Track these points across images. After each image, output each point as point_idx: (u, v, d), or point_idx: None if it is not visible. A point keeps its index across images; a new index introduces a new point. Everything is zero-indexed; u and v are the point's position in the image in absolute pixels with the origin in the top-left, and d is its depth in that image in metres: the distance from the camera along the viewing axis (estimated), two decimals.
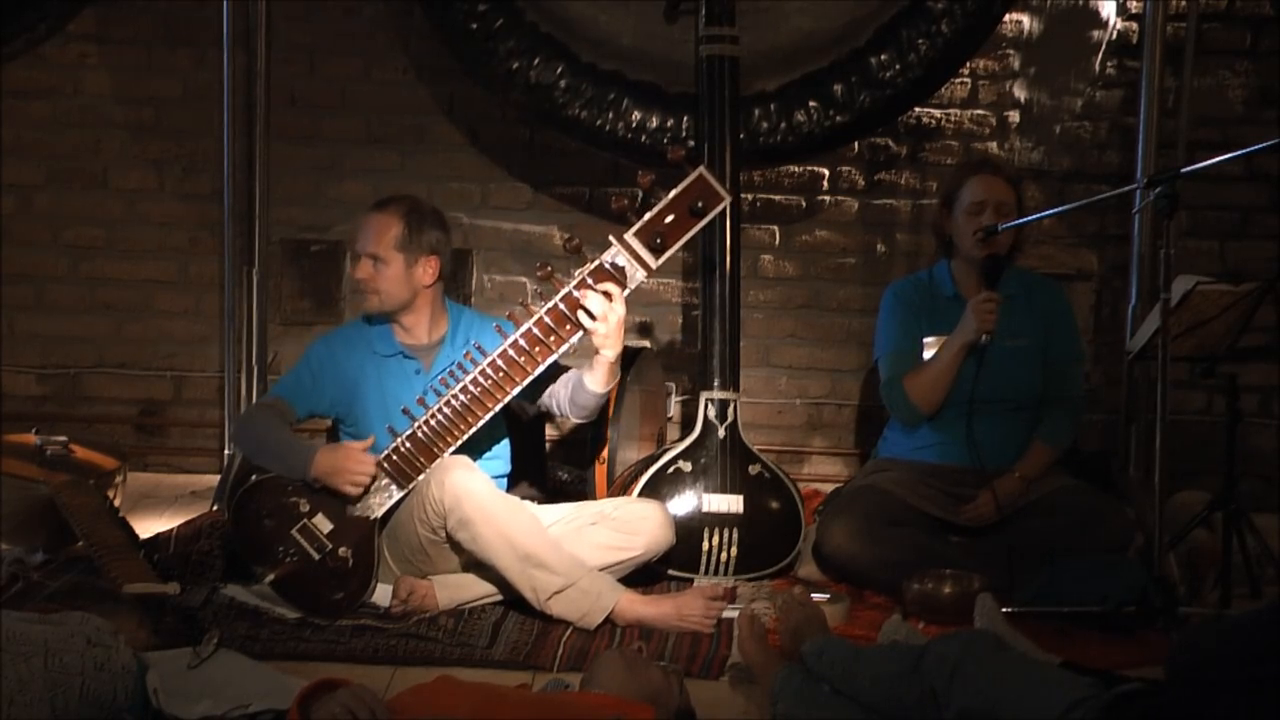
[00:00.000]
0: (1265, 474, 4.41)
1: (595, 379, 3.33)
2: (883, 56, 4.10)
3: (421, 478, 3.27)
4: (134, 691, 2.54)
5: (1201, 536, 3.64)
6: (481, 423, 3.28)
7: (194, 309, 4.78)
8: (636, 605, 3.23)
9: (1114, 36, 4.61)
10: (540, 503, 3.61)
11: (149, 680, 2.58)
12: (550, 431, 4.51)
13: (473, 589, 3.35)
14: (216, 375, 4.72)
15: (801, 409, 4.80)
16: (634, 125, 4.10)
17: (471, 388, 3.25)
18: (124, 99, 4.71)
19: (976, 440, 3.57)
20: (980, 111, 4.68)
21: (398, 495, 3.30)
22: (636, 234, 3.23)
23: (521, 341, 3.25)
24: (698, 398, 3.80)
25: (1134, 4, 4.56)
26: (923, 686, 2.43)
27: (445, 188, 4.72)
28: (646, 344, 4.62)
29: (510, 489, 3.61)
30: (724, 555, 3.63)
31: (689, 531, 3.58)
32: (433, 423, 3.25)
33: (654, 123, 4.10)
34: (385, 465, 3.27)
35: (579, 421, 3.51)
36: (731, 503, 3.67)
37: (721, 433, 3.73)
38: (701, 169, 3.25)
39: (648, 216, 3.23)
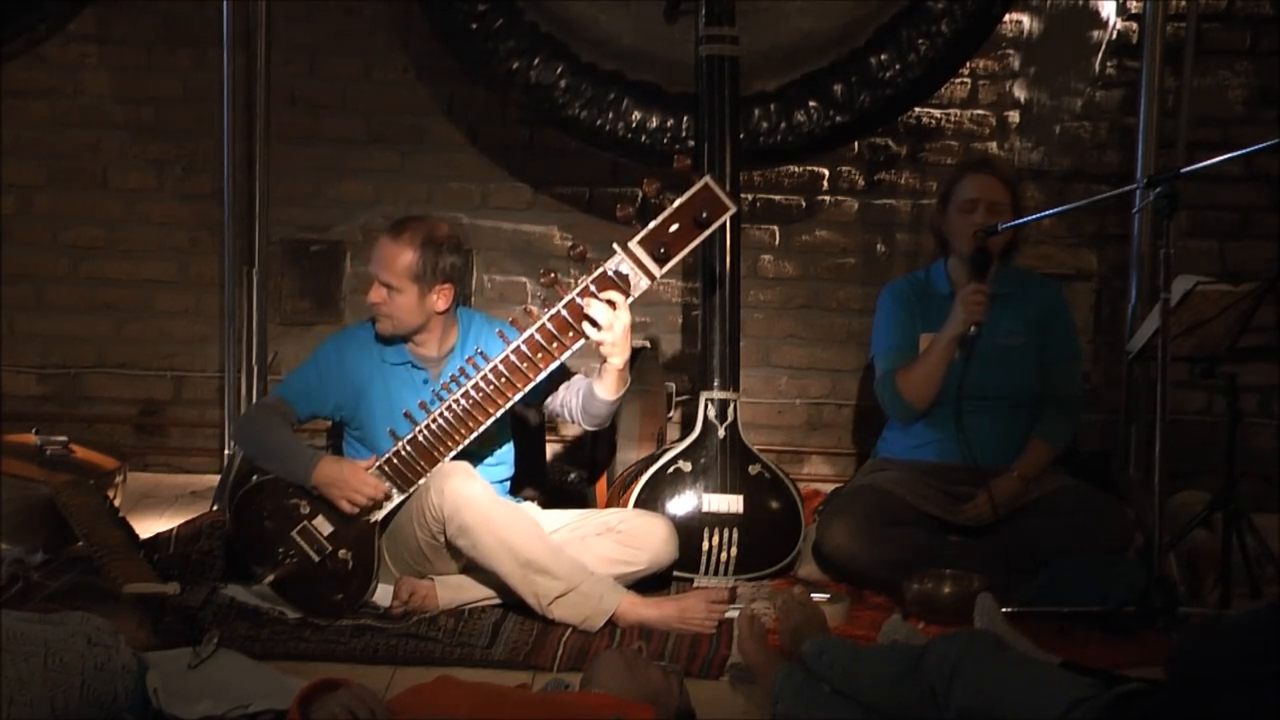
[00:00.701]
0: (1265, 474, 4.41)
1: (605, 387, 3.32)
2: (883, 56, 4.10)
3: (422, 482, 3.27)
4: (134, 691, 2.54)
5: (1201, 536, 3.64)
6: (483, 428, 3.27)
7: (194, 309, 4.78)
8: (638, 607, 3.23)
9: (1114, 36, 4.61)
10: (542, 505, 3.61)
11: (149, 680, 2.58)
12: (550, 433, 4.50)
13: (474, 590, 3.35)
14: (216, 375, 4.71)
15: (801, 409, 4.80)
16: (634, 125, 4.10)
17: (474, 393, 3.24)
18: (124, 99, 4.71)
19: (967, 436, 3.54)
20: (980, 111, 4.68)
21: (398, 499, 3.29)
22: (641, 242, 3.21)
23: (524, 348, 3.24)
24: (698, 398, 3.80)
25: (1134, 4, 4.56)
26: (923, 686, 2.43)
27: (445, 188, 4.72)
28: (646, 344, 4.62)
29: (513, 492, 3.60)
30: (724, 555, 3.63)
31: (689, 532, 3.58)
32: (434, 427, 3.25)
33: (654, 123, 4.10)
34: (386, 469, 3.27)
35: (592, 429, 3.50)
36: (731, 503, 3.67)
37: (721, 433, 3.73)
38: (707, 179, 3.22)
39: (652, 225, 3.20)
